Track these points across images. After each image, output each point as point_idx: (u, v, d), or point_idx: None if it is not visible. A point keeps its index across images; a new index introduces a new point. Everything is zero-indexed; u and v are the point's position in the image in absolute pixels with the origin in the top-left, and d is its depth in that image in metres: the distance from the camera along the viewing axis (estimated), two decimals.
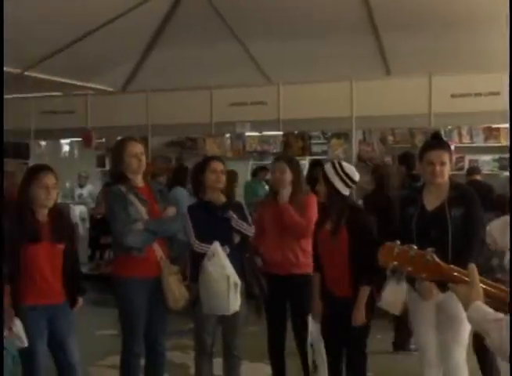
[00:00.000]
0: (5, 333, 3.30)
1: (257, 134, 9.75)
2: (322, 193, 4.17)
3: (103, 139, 10.37)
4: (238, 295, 4.22)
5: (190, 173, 5.42)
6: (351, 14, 8.13)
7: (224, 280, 4.13)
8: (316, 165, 6.58)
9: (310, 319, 4.41)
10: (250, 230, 4.38)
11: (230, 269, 4.17)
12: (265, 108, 9.17)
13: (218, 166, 4.40)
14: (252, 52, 9.10)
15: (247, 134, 9.68)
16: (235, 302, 4.21)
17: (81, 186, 10.95)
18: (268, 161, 9.66)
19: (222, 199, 4.40)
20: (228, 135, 9.73)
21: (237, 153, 9.71)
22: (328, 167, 4.14)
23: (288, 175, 4.56)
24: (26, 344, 3.48)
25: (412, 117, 8.11)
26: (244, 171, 10.12)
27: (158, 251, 4.18)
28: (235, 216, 4.30)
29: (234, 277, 4.17)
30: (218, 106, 9.36)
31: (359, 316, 3.98)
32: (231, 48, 8.83)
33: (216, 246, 4.18)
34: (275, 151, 9.35)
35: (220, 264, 4.15)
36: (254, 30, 8.50)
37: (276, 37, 8.67)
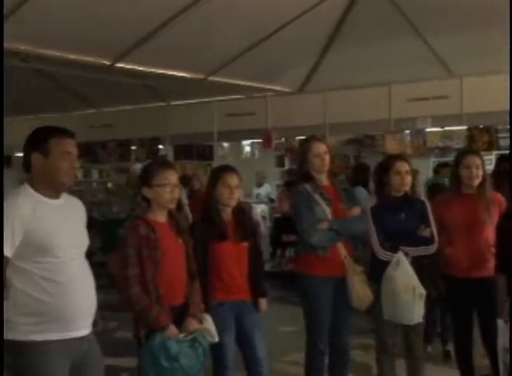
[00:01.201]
0: (197, 326, 3.44)
1: (438, 129, 9.46)
2: None
3: (282, 139, 10.60)
4: (422, 305, 4.13)
5: (373, 172, 5.31)
6: None
7: (410, 290, 4.06)
8: (504, 160, 6.24)
9: (499, 321, 4.17)
10: (432, 250, 4.23)
11: (416, 280, 4.09)
12: (447, 102, 8.87)
13: (402, 167, 4.28)
14: (433, 46, 8.80)
15: (428, 130, 9.44)
16: (419, 313, 4.14)
17: (259, 186, 11.26)
18: (450, 158, 9.36)
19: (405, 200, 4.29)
20: (407, 132, 9.55)
21: (417, 149, 9.50)
22: None
23: (481, 171, 4.35)
24: (216, 339, 3.57)
25: None
26: (425, 168, 9.82)
27: (342, 250, 4.17)
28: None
29: (420, 288, 4.09)
30: (397, 102, 9.21)
31: None
32: (410, 42, 8.60)
33: (401, 255, 4.11)
34: (458, 147, 9.01)
35: (406, 274, 4.08)
36: (435, 23, 8.20)
37: (457, 29, 8.29)
